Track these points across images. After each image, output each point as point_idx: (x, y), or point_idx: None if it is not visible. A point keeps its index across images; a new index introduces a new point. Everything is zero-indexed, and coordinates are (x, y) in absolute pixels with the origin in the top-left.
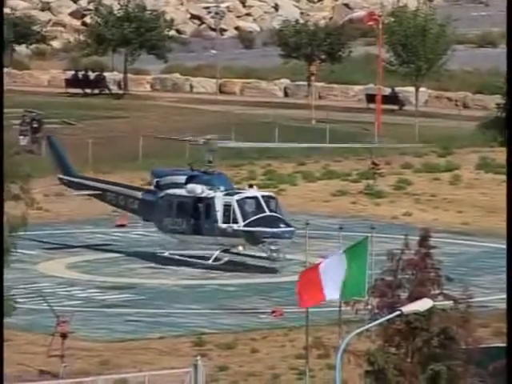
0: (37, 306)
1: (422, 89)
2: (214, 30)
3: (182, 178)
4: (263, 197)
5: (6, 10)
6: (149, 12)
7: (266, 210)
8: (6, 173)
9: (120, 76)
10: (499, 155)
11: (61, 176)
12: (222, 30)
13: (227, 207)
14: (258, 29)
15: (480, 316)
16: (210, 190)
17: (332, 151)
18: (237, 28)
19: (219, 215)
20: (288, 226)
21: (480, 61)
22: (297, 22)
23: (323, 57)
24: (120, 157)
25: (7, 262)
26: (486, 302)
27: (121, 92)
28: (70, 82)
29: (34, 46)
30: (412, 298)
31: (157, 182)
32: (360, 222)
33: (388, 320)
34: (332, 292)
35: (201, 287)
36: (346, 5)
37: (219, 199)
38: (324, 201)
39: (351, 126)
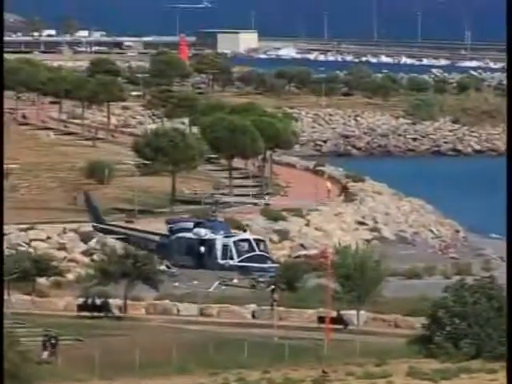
0: None
1: (361, 312)
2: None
3: (190, 224)
4: (254, 239)
5: (36, 245)
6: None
7: (257, 249)
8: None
9: (121, 302)
10: (424, 365)
11: (95, 224)
12: None
13: (225, 247)
14: None
15: None
16: (212, 233)
17: (289, 361)
18: None
19: (219, 253)
20: (274, 262)
21: (408, 290)
22: None
23: (283, 287)
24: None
25: None
26: None
27: (121, 315)
28: (81, 307)
29: (52, 278)
30: None
31: (170, 227)
32: None
33: None
34: None
35: None
36: (302, 245)
37: (219, 240)
38: None
39: (306, 341)
